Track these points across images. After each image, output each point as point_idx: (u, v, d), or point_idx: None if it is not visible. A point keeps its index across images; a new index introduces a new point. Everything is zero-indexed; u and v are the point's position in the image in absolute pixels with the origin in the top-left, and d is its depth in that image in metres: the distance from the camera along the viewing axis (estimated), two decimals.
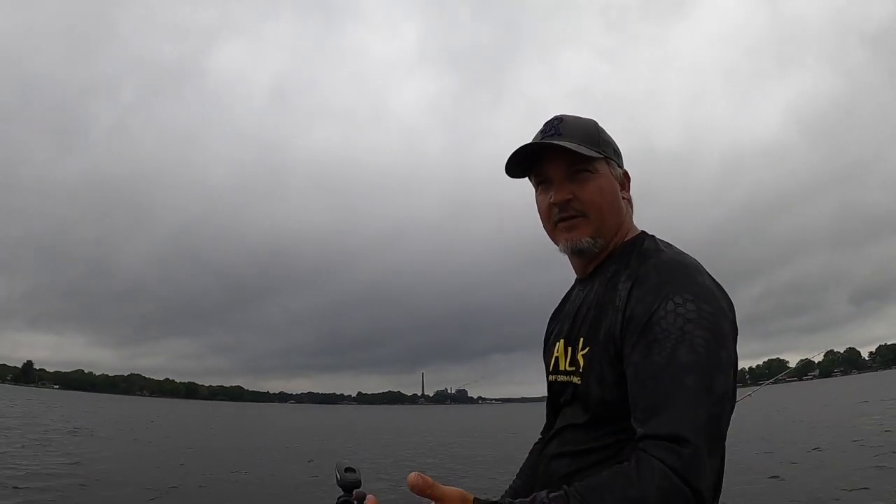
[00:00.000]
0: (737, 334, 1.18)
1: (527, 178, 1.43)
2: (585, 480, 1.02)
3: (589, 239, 1.32)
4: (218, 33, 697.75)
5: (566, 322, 1.41)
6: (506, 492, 1.57)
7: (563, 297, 1.55)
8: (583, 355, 1.27)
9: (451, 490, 0.98)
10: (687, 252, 1.28)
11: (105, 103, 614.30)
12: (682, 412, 1.01)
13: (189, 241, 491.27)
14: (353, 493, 1.84)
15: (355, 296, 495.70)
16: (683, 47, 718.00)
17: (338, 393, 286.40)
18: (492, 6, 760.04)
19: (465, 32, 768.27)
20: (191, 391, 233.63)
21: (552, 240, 1.40)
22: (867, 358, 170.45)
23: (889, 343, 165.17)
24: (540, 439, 1.59)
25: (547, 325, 1.57)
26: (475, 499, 0.97)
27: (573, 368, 1.30)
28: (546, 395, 1.48)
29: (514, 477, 1.60)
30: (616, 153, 1.40)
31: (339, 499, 1.84)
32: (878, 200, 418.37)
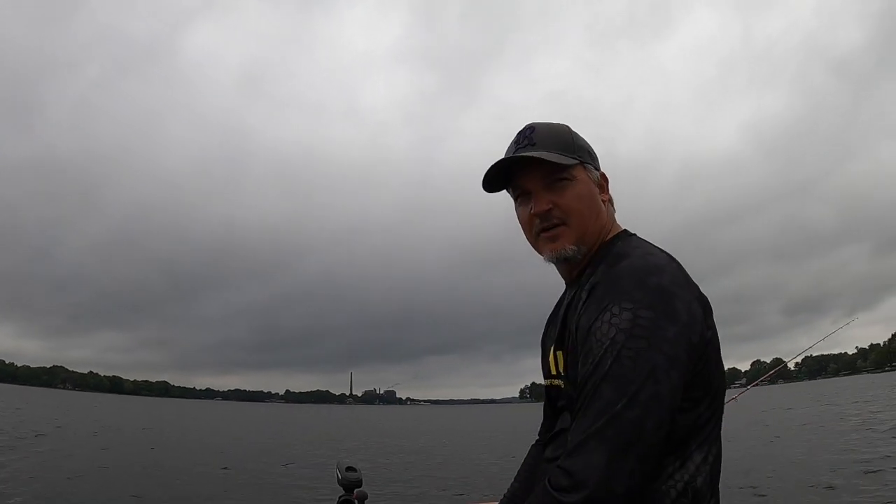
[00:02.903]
0: (701, 331, 1.17)
1: (504, 192, 1.43)
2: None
3: (572, 247, 1.33)
4: (193, 12, 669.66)
5: (555, 327, 1.42)
6: (505, 495, 1.59)
7: (556, 301, 1.54)
8: (564, 361, 1.30)
9: None
10: (659, 246, 1.29)
11: (67, 79, 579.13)
12: (589, 423, 1.06)
13: (137, 229, 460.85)
14: (354, 492, 1.84)
15: (301, 291, 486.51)
16: (661, 63, 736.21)
17: (265, 391, 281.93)
18: (481, 11, 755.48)
19: (449, 34, 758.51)
20: (115, 385, 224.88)
21: (536, 250, 1.40)
22: (793, 368, 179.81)
23: (814, 355, 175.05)
24: (537, 440, 1.60)
25: (543, 330, 1.56)
26: None
27: (560, 373, 1.34)
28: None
29: (513, 479, 1.61)
30: (591, 156, 1.41)
31: (339, 498, 1.81)
32: (819, 217, 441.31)
